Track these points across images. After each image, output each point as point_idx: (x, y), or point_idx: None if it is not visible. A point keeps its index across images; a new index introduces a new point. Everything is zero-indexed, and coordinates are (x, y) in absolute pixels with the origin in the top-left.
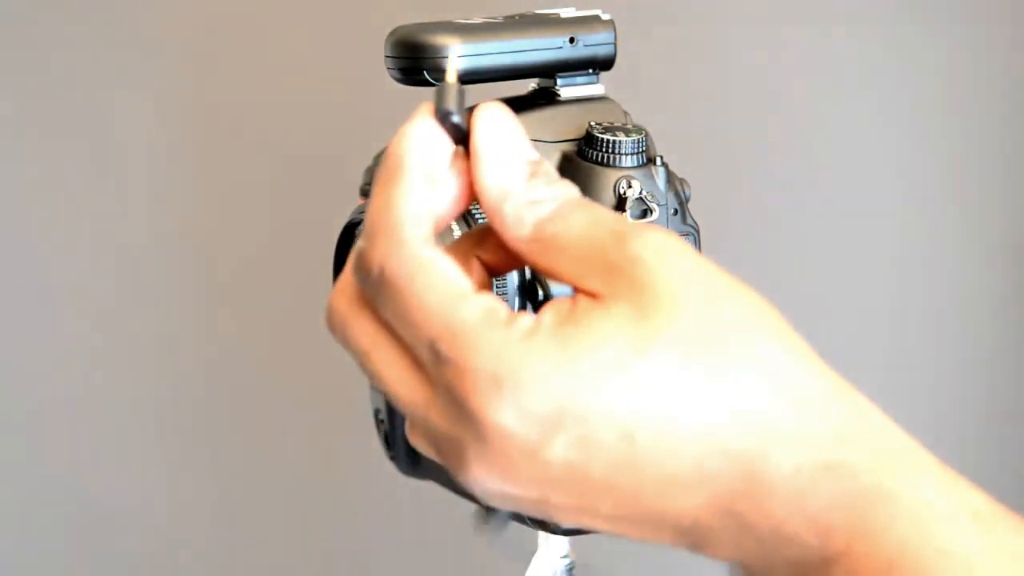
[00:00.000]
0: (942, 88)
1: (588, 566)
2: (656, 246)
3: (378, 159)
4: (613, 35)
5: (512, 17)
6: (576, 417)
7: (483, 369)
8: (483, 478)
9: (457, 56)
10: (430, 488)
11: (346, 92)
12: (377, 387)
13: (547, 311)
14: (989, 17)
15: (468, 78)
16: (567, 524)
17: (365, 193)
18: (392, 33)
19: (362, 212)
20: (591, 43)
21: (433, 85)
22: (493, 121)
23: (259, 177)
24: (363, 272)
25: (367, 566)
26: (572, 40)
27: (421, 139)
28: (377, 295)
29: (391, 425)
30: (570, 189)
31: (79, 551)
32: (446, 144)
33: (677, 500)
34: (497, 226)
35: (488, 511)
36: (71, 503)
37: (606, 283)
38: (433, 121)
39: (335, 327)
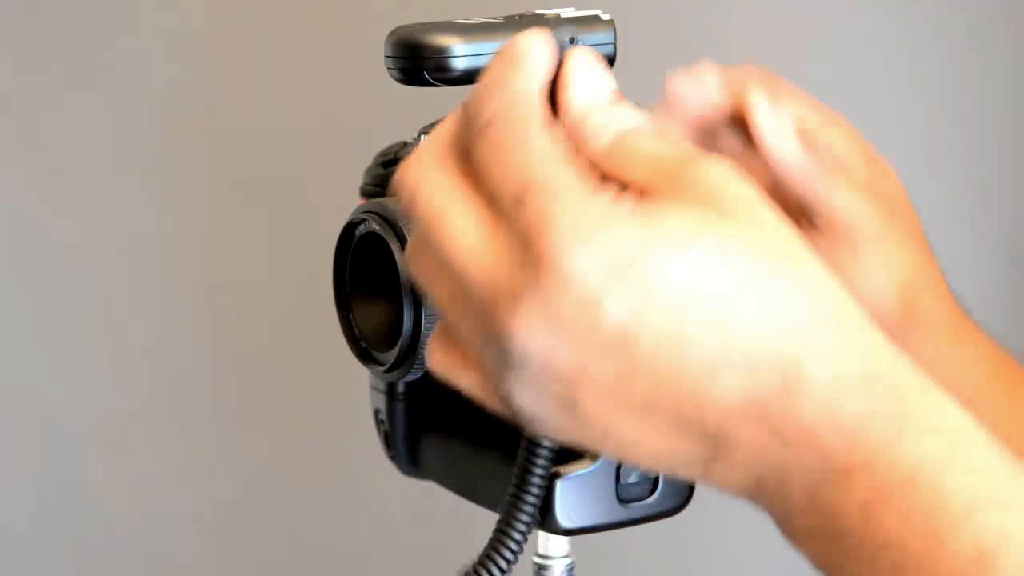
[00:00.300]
0: (941, 88)
1: (588, 566)
2: (726, 169)
3: (379, 159)
4: (613, 35)
5: (512, 17)
6: (638, 278)
7: (565, 217)
8: (532, 328)
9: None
10: (430, 488)
11: (346, 92)
12: (436, 246)
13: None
14: (988, 15)
15: (469, 78)
16: (586, 421)
17: (365, 193)
18: (392, 33)
19: (362, 212)
20: (591, 43)
21: (433, 85)
22: (585, 56)
23: (258, 177)
24: (471, 115)
25: (367, 566)
26: (572, 40)
27: (540, 45)
28: (478, 139)
29: (391, 425)
30: (648, 121)
31: (79, 551)
32: (553, 59)
33: (712, 392)
34: (578, 138)
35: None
36: (71, 503)
37: (679, 190)
38: (548, 37)
39: (407, 182)
